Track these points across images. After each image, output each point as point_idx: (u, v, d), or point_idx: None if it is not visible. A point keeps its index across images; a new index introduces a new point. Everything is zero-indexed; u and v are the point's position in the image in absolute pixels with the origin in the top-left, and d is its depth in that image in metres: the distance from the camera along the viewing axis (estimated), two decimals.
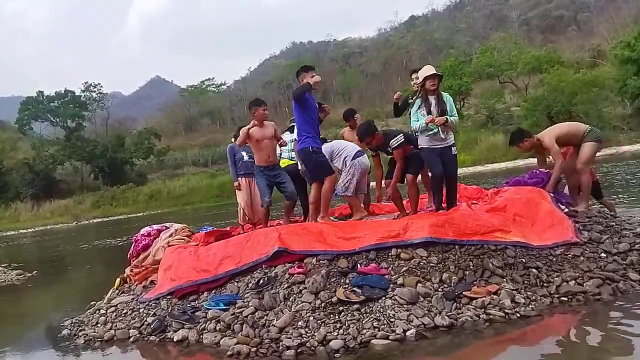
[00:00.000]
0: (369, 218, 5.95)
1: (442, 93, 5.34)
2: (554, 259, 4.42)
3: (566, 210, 5.20)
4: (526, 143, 5.59)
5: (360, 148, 5.88)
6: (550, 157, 5.59)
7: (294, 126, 6.09)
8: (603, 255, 4.48)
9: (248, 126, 5.75)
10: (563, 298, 3.97)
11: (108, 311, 5.16)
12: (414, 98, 5.73)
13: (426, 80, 5.20)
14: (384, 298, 3.95)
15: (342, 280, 4.23)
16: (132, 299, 5.29)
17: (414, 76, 6.02)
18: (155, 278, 5.43)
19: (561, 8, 67.05)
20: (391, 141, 5.44)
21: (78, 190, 42.82)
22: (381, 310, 3.84)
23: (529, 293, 4.00)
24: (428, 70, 5.30)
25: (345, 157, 5.75)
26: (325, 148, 5.73)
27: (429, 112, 5.17)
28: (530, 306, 3.84)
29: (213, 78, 75.02)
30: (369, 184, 6.68)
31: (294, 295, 4.16)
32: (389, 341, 3.54)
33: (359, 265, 4.34)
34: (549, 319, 3.72)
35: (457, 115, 5.40)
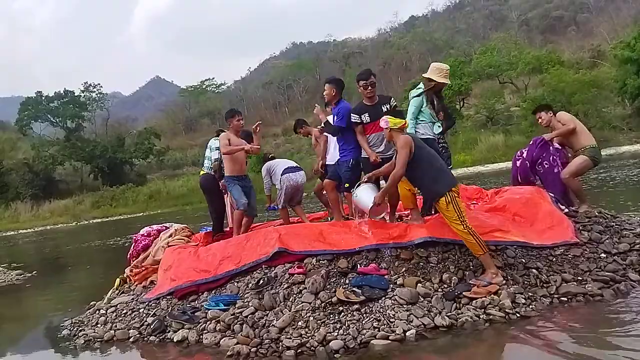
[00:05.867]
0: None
1: None
2: (554, 259, 4.42)
3: (566, 210, 5.20)
4: (546, 115, 5.65)
5: (289, 165, 6.09)
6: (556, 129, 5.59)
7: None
8: (603, 255, 4.49)
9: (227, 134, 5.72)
10: (563, 298, 3.98)
11: (108, 311, 5.16)
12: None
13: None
14: (383, 298, 3.95)
15: (342, 281, 4.23)
16: (132, 299, 5.29)
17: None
18: (155, 278, 5.43)
19: (561, 8, 67.00)
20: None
21: (78, 191, 42.79)
22: (381, 311, 3.84)
23: (529, 293, 4.00)
24: (444, 68, 5.47)
25: (275, 173, 6.02)
26: (263, 169, 6.14)
27: (435, 109, 5.42)
28: (530, 306, 3.84)
29: (213, 78, 74.86)
30: None
31: (294, 296, 4.16)
32: (389, 341, 3.54)
33: (358, 265, 4.34)
34: (549, 320, 3.71)
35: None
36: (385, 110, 5.11)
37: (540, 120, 5.73)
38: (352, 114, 5.12)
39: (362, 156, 5.26)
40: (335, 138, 5.49)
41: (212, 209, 6.28)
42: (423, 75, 5.54)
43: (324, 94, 5.30)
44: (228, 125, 5.84)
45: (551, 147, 5.53)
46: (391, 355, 3.42)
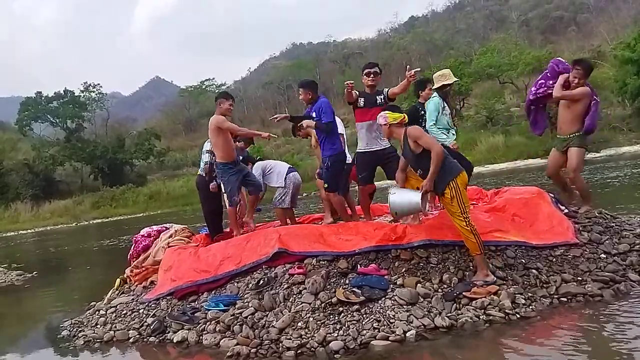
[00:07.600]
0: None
1: None
2: (554, 259, 4.43)
3: (566, 211, 5.20)
4: (579, 74, 5.57)
5: (289, 165, 6.13)
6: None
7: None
8: (603, 256, 4.49)
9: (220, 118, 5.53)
10: (563, 299, 3.98)
11: (108, 312, 5.16)
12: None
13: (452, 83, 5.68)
14: (383, 299, 3.96)
15: (342, 281, 4.23)
16: (132, 299, 5.29)
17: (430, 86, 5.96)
18: (155, 279, 5.43)
19: (561, 9, 66.95)
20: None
21: (78, 191, 42.72)
22: (381, 311, 3.84)
23: (529, 294, 4.00)
24: (447, 72, 5.71)
25: (279, 173, 5.99)
26: (257, 166, 6.09)
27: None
28: (530, 307, 3.84)
29: (213, 78, 74.64)
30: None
31: (294, 296, 4.16)
32: (389, 342, 3.54)
33: (358, 265, 4.34)
34: (549, 320, 3.72)
35: None
36: (380, 100, 5.22)
37: (573, 75, 5.54)
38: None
39: (360, 150, 5.25)
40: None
41: (208, 210, 6.19)
42: (434, 87, 5.66)
43: (300, 98, 5.31)
44: (218, 105, 5.49)
45: (551, 82, 5.66)
46: (391, 356, 3.42)
